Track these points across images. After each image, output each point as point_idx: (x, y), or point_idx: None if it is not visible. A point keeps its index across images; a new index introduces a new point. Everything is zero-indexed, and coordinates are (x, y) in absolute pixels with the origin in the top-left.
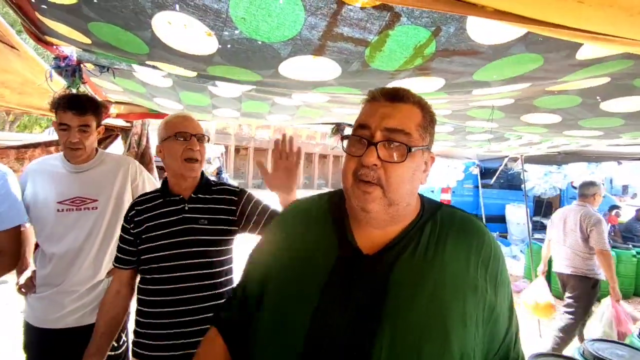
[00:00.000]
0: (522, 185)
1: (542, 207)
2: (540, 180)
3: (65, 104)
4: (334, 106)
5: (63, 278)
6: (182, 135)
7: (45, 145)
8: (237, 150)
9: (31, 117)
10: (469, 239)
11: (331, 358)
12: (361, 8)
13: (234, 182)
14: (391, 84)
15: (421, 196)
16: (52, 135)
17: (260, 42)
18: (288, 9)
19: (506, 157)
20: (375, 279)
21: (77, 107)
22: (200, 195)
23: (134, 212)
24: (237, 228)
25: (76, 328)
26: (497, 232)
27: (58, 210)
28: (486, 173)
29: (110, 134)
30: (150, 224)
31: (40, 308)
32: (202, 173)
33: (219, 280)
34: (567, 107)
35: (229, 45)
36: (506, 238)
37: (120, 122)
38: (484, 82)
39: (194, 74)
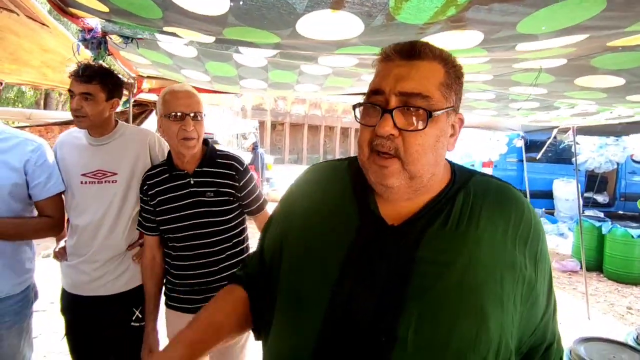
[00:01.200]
0: (573, 159)
1: (596, 183)
2: (594, 154)
3: (74, 72)
4: (364, 72)
5: (88, 249)
6: (176, 115)
7: None
8: (273, 125)
9: None
10: (507, 211)
11: (353, 339)
12: None
13: (271, 157)
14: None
15: (451, 163)
16: None
17: None
18: None
19: (555, 128)
20: (400, 253)
21: (82, 74)
22: (204, 169)
23: (146, 186)
24: (239, 198)
25: (102, 297)
26: (543, 209)
27: (82, 182)
28: (532, 146)
29: (144, 109)
30: (161, 197)
31: (70, 275)
32: (207, 144)
33: (234, 241)
34: (634, 68)
35: (241, 2)
36: (553, 215)
37: (153, 97)
38: (530, 36)
39: (212, 39)
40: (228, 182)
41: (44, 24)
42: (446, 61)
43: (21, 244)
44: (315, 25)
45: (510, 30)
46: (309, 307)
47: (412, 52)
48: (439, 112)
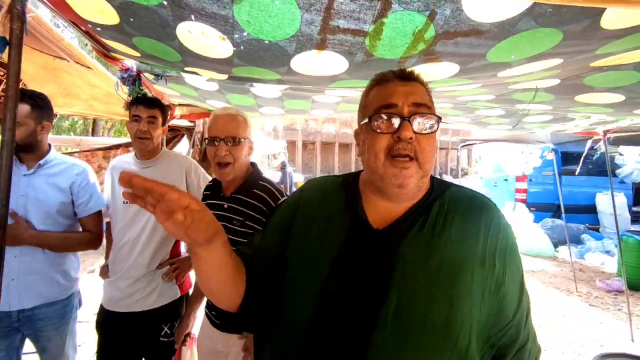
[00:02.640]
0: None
1: None
2: None
3: (137, 100)
4: None
5: (123, 265)
6: (212, 139)
7: (125, 146)
8: (304, 145)
9: (124, 123)
10: (478, 216)
11: (341, 322)
12: (351, 0)
13: (301, 176)
14: None
15: (431, 176)
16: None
17: (267, 42)
18: (284, 9)
19: (590, 139)
20: (383, 252)
21: (146, 101)
22: (239, 196)
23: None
24: None
25: (133, 313)
26: (586, 224)
27: (124, 203)
28: (569, 158)
29: (176, 134)
30: None
31: (107, 291)
32: (252, 170)
33: None
34: (628, 85)
35: (242, 47)
36: (598, 231)
37: (185, 122)
38: (504, 64)
39: (225, 76)
40: (256, 215)
41: (89, 67)
42: (425, 85)
43: (67, 255)
44: (306, 63)
45: (482, 60)
46: (305, 292)
47: (407, 75)
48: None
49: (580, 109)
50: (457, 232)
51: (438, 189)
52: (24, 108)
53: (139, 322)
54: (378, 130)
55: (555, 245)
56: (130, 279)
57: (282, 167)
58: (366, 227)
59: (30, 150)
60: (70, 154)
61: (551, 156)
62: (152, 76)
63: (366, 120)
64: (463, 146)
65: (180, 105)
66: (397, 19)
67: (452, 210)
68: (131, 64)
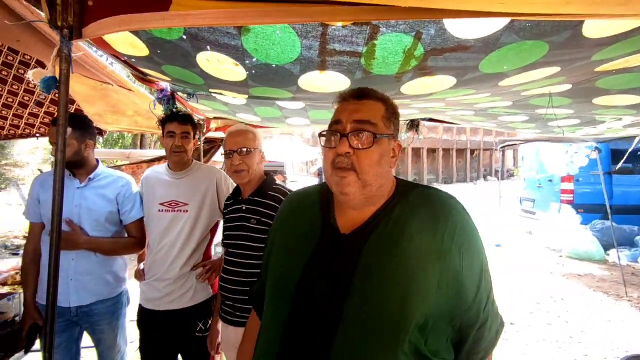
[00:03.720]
0: None
1: None
2: None
3: (171, 117)
4: None
5: (160, 268)
6: (227, 153)
7: (166, 158)
8: None
9: None
10: (437, 214)
11: (310, 321)
12: (342, 26)
13: None
14: (402, 87)
15: (397, 180)
16: None
17: (274, 65)
18: (285, 37)
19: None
20: (349, 253)
21: (179, 118)
22: (255, 198)
23: (224, 207)
24: None
25: (170, 311)
26: None
27: (158, 210)
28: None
29: (212, 145)
30: (226, 217)
31: (145, 291)
32: (266, 178)
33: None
34: None
35: (253, 71)
36: None
37: (220, 134)
38: (499, 74)
39: (245, 96)
40: (271, 213)
41: (130, 90)
42: (386, 102)
43: (116, 258)
44: (312, 81)
45: (475, 72)
46: (280, 302)
47: (361, 94)
48: (381, 136)
49: (605, 111)
50: (416, 230)
51: (402, 192)
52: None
53: (176, 319)
54: (325, 145)
55: (606, 248)
56: (168, 280)
57: (319, 174)
58: (335, 233)
59: (80, 166)
60: (118, 166)
61: (594, 155)
62: (185, 95)
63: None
64: (502, 147)
65: (215, 118)
66: (386, 40)
67: (413, 211)
68: (165, 85)
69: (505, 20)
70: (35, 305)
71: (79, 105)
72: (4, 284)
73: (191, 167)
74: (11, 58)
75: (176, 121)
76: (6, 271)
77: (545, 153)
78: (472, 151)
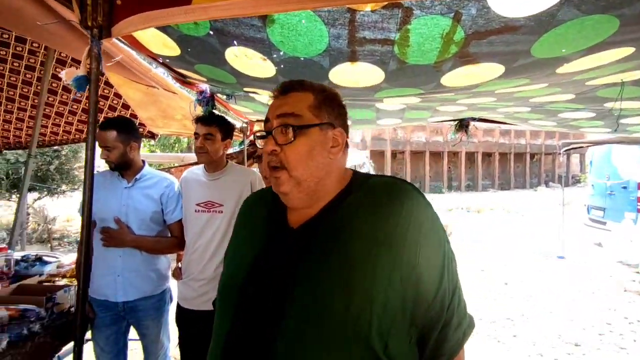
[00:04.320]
0: None
1: None
2: None
3: (198, 118)
4: (435, 105)
5: (196, 268)
6: (259, 155)
7: None
8: (393, 154)
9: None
10: (390, 202)
11: (254, 318)
12: (372, 11)
13: None
14: (443, 79)
15: (354, 173)
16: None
17: (302, 59)
18: (311, 26)
19: None
20: (296, 248)
21: (204, 119)
22: None
23: None
24: None
25: (205, 311)
26: None
27: (195, 211)
28: None
29: (257, 148)
30: None
31: (182, 291)
32: None
33: None
34: None
35: (282, 65)
36: None
37: None
38: (557, 59)
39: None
40: None
41: (174, 93)
42: (315, 89)
43: (159, 257)
44: (343, 75)
45: (527, 57)
46: (229, 297)
47: (287, 87)
48: (307, 127)
49: None
50: (364, 220)
51: (357, 182)
52: (111, 134)
53: (210, 320)
54: (261, 146)
55: None
56: (203, 280)
57: None
58: (284, 228)
59: (126, 168)
60: (168, 169)
61: None
62: (224, 96)
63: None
64: (566, 150)
65: (258, 121)
66: (421, 24)
67: (364, 202)
68: (205, 87)
69: None
70: (86, 299)
71: (133, 111)
72: (64, 276)
73: (226, 169)
74: (59, 70)
75: (200, 122)
76: (68, 264)
77: (618, 156)
78: (532, 155)
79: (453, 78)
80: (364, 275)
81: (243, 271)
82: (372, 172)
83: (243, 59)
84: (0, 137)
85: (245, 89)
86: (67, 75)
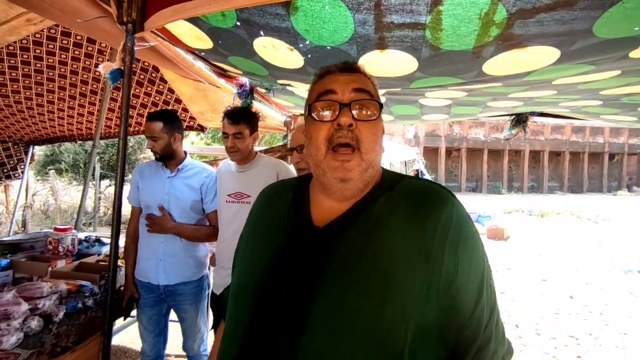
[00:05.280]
0: None
1: None
2: None
3: (225, 115)
4: (485, 100)
5: (225, 257)
6: (292, 149)
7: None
8: (448, 151)
9: (273, 135)
10: (426, 208)
11: (272, 323)
12: None
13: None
14: (485, 66)
15: (383, 170)
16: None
17: (329, 48)
18: (335, 12)
19: None
20: (320, 249)
21: (231, 117)
22: None
23: None
24: None
25: None
26: None
27: (226, 202)
28: None
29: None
30: None
31: (215, 277)
32: None
33: None
34: None
35: (309, 55)
36: None
37: None
38: (629, 39)
39: (307, 86)
40: None
41: (218, 87)
42: (370, 77)
43: (198, 244)
44: (374, 64)
45: (589, 38)
46: (241, 300)
47: (350, 67)
48: (381, 108)
49: None
50: (400, 226)
51: (388, 182)
52: (158, 125)
53: None
54: (317, 119)
55: None
56: (230, 269)
57: (417, 174)
58: (307, 226)
59: (170, 158)
60: (214, 161)
61: None
62: (264, 90)
63: (307, 111)
64: None
65: (301, 114)
66: (455, 5)
67: (398, 204)
68: (245, 80)
69: None
70: (133, 280)
71: (185, 105)
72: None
73: (255, 160)
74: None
75: (228, 121)
76: (122, 247)
77: None
78: (611, 155)
79: (497, 65)
80: (399, 287)
81: (256, 274)
82: (424, 170)
83: (271, 49)
84: (75, 129)
85: (280, 82)
86: (105, 68)
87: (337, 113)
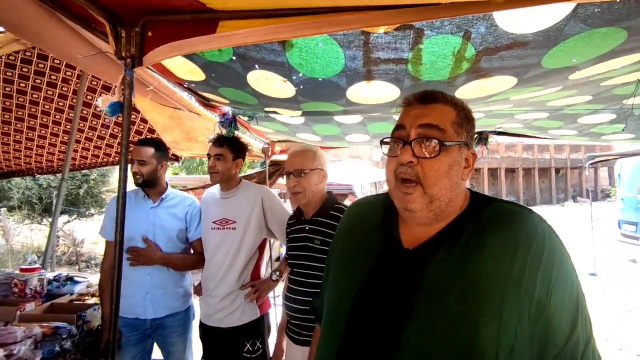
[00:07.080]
0: None
1: None
2: None
3: (211, 139)
4: None
5: (211, 285)
6: (287, 174)
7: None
8: None
9: (253, 163)
10: (516, 234)
11: (365, 345)
12: (385, 33)
13: None
14: (457, 92)
15: (472, 193)
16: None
17: (320, 79)
18: (328, 49)
19: None
20: (410, 272)
21: (216, 140)
22: (318, 218)
23: (287, 226)
24: None
25: (221, 329)
26: None
27: (211, 228)
28: None
29: (278, 168)
30: (289, 236)
31: (202, 306)
32: (329, 197)
33: None
34: None
35: (301, 86)
36: None
37: (284, 157)
38: (568, 68)
39: (299, 112)
40: (334, 232)
41: (199, 114)
42: (456, 105)
43: (185, 274)
44: (360, 93)
45: (538, 68)
46: (336, 319)
47: (428, 97)
48: (450, 144)
49: None
50: (490, 251)
51: (476, 206)
52: (149, 150)
53: (226, 337)
54: (388, 154)
55: None
56: (218, 297)
57: None
58: (397, 248)
59: (153, 186)
60: (193, 190)
61: None
62: (246, 117)
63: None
64: (592, 164)
65: (279, 141)
66: (433, 44)
67: (488, 229)
68: (227, 109)
69: (568, 7)
70: (111, 319)
71: (158, 135)
72: (93, 295)
73: (239, 187)
74: (90, 97)
75: (213, 143)
76: (96, 284)
77: None
78: (557, 170)
79: (467, 91)
80: (491, 312)
81: (351, 294)
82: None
83: (264, 81)
84: (34, 162)
85: (266, 109)
86: (104, 102)
87: (399, 150)
